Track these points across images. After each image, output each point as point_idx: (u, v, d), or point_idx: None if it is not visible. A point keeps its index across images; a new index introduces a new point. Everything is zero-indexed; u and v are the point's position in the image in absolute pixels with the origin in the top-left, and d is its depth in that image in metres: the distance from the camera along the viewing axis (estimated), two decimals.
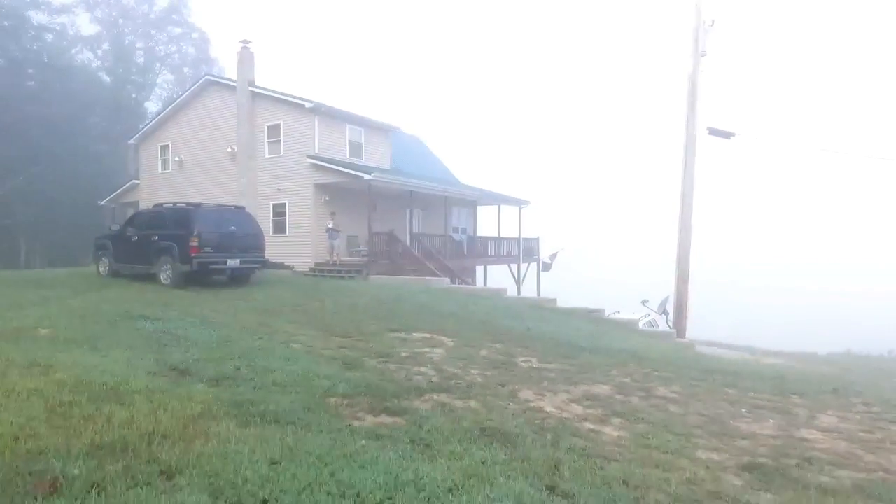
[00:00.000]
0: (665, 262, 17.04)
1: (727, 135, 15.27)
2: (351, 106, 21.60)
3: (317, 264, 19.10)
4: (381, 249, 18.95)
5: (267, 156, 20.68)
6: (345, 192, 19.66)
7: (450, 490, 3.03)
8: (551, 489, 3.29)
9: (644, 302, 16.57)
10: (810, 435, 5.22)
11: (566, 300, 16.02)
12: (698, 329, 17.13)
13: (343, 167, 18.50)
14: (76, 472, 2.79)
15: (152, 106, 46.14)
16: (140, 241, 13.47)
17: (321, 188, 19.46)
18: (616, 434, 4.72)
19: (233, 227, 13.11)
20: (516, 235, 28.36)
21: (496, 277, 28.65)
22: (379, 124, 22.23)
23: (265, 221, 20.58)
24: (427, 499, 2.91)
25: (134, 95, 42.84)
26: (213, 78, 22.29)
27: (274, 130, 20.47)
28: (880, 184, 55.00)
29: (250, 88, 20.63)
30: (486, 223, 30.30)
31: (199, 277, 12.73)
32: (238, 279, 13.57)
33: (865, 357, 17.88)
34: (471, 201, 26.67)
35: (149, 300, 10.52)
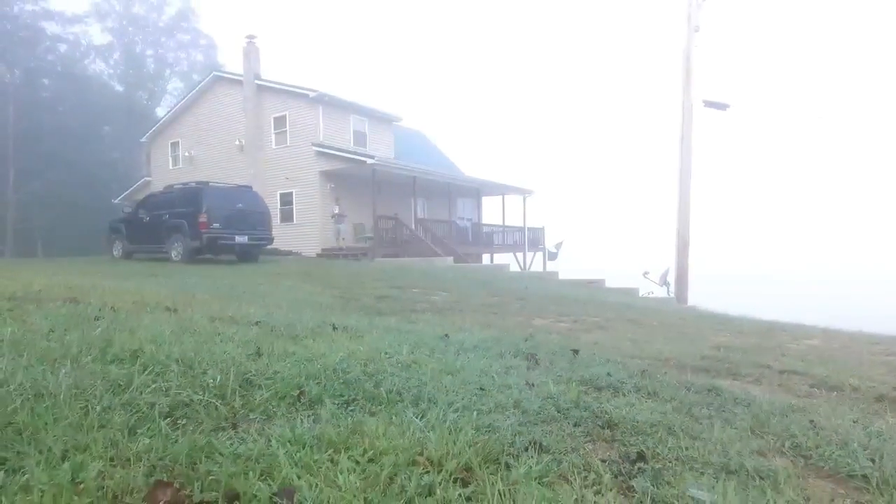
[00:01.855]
0: (667, 238, 17.26)
1: (722, 106, 15.54)
2: (355, 97, 22.00)
3: (324, 250, 19.53)
4: (386, 233, 19.33)
5: (274, 147, 21.19)
6: (350, 179, 20.09)
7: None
8: (525, 341, 3.66)
9: (645, 274, 16.78)
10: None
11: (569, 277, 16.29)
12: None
13: (350, 153, 18.92)
14: None
15: (163, 112, 47.18)
16: (152, 221, 13.97)
17: (326, 175, 19.91)
18: (567, 327, 5.07)
19: (240, 205, 13.57)
20: (521, 225, 28.68)
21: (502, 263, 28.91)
22: (382, 114, 22.69)
23: (273, 211, 21.08)
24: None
25: (145, 101, 43.77)
26: (220, 73, 22.92)
27: (280, 121, 21.00)
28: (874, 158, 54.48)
29: (256, 81, 21.19)
30: (491, 214, 30.60)
31: (210, 252, 13.16)
32: (246, 256, 13.99)
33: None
34: (474, 190, 27.02)
35: (164, 271, 11.00)
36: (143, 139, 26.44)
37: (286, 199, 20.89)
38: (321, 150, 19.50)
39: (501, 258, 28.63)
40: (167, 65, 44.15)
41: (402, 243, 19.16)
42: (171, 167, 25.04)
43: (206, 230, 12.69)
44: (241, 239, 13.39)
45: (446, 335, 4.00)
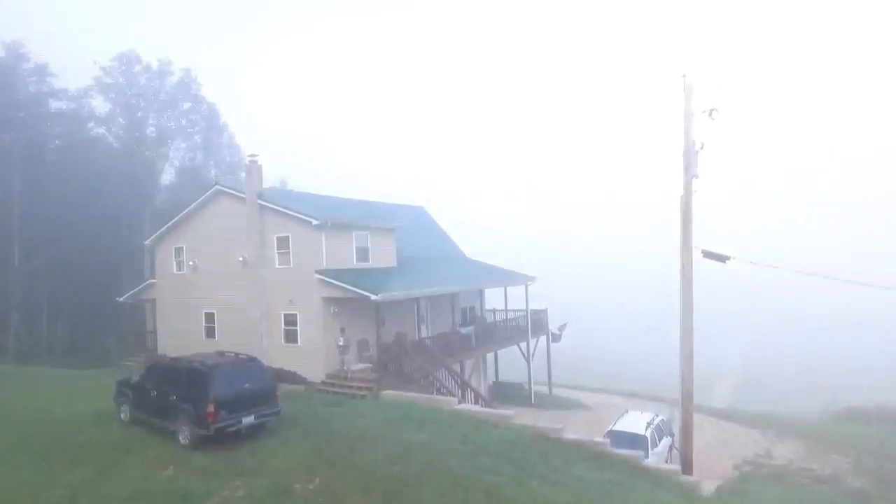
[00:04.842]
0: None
1: (722, 258, 15.62)
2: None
3: (328, 376, 19.64)
4: (391, 361, 19.39)
5: (277, 266, 21.34)
6: (354, 302, 20.22)
7: None
8: None
9: (649, 424, 16.76)
10: None
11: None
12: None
13: (351, 285, 19.06)
14: None
15: (167, 177, 47.65)
16: (158, 396, 14.05)
17: (330, 300, 20.04)
18: None
19: (247, 384, 13.64)
20: (523, 306, 28.74)
21: (507, 359, 29.06)
22: (384, 226, 22.90)
23: (277, 330, 21.30)
24: None
25: (148, 167, 44.05)
26: (222, 188, 23.11)
27: (283, 242, 21.16)
28: None
29: (259, 201, 21.39)
30: (493, 295, 30.77)
31: (217, 441, 13.25)
32: (252, 430, 14.05)
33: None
34: (477, 283, 27.17)
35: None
36: (147, 242, 26.63)
37: (290, 320, 21.00)
38: (324, 278, 19.64)
39: (506, 352, 28.77)
40: (169, 131, 44.56)
41: (407, 374, 19.22)
42: (175, 271, 25.22)
43: (214, 420, 12.77)
44: (248, 420, 13.45)
45: None
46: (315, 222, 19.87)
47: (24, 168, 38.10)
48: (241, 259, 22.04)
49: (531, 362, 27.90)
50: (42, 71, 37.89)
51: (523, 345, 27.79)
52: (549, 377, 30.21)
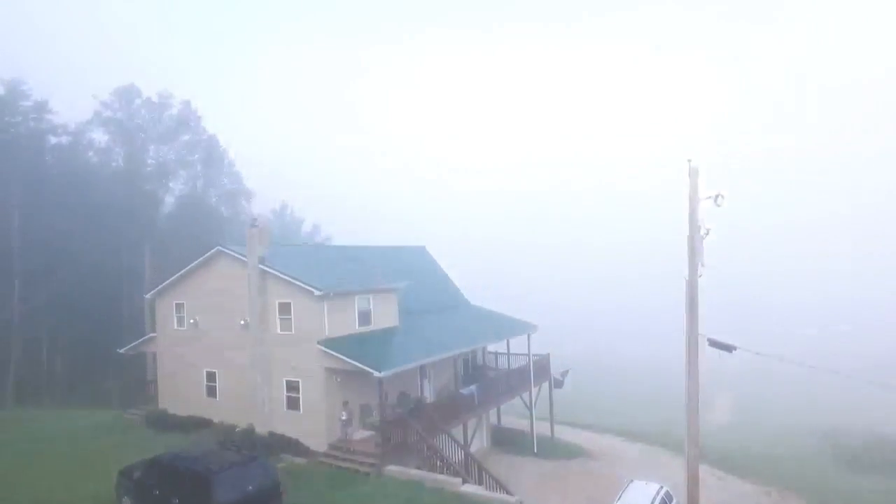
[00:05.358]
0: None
1: (728, 348, 15.50)
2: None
3: (331, 446, 19.51)
4: (394, 434, 19.25)
5: (279, 331, 21.21)
6: (357, 369, 20.09)
7: None
8: None
9: (654, 498, 16.65)
10: None
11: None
12: None
13: (354, 358, 18.95)
14: None
15: (168, 204, 47.49)
16: (161, 496, 13.93)
17: (333, 370, 19.92)
18: None
19: (250, 487, 13.52)
20: (524, 348, 28.59)
21: (510, 411, 28.93)
22: (386, 287, 22.78)
23: (279, 395, 21.16)
24: None
25: (148, 199, 43.93)
26: (223, 249, 22.96)
27: (285, 308, 21.04)
28: None
29: (260, 266, 21.26)
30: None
31: None
32: None
33: None
34: (479, 334, 27.03)
35: None
36: (148, 296, 26.50)
37: (292, 386, 20.87)
38: (327, 350, 19.52)
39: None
40: (168, 165, 44.46)
41: (410, 446, 19.08)
42: (175, 327, 25.07)
43: None
44: None
45: None
46: (317, 293, 19.75)
47: (23, 203, 38.00)
48: (242, 323, 21.92)
49: (534, 412, 27.76)
50: (42, 108, 37.81)
51: (526, 395, 27.66)
52: (552, 424, 30.08)
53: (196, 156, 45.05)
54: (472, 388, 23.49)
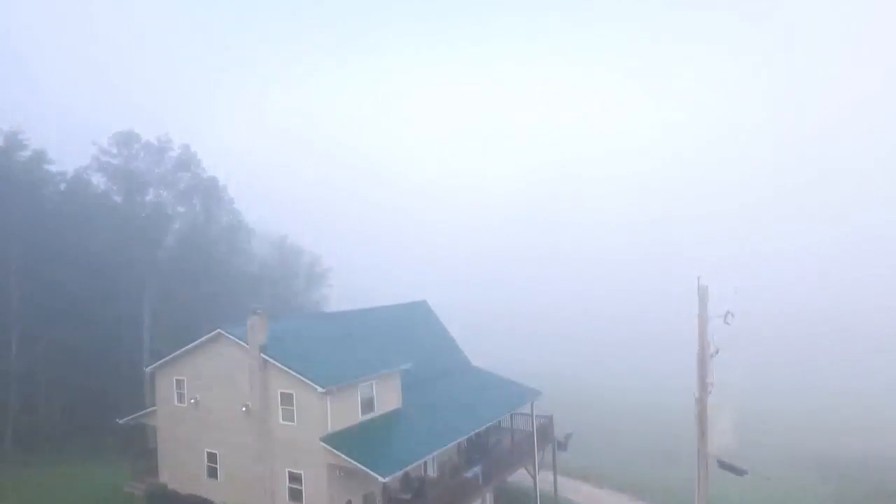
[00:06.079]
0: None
1: (740, 472, 15.30)
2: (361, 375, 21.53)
3: None
4: None
5: (281, 421, 20.96)
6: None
7: None
8: None
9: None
10: None
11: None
12: None
13: (358, 459, 18.72)
14: None
15: (168, 241, 47.07)
16: None
17: (336, 467, 19.67)
18: None
19: None
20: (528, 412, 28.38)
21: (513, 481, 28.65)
22: (389, 372, 22.56)
23: (281, 485, 20.89)
24: None
25: (147, 244, 43.40)
26: (224, 333, 22.66)
27: (287, 398, 20.79)
28: None
29: (262, 356, 21.00)
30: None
31: None
32: None
33: None
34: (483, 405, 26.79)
35: None
36: (148, 369, 26.23)
37: (295, 478, 20.61)
38: (329, 448, 19.28)
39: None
40: (169, 207, 44.12)
41: None
42: (175, 403, 24.78)
43: None
44: None
45: None
46: (320, 390, 19.50)
47: (20, 254, 37.60)
48: (244, 409, 21.65)
49: (537, 480, 27.56)
50: (40, 158, 37.46)
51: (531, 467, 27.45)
52: (556, 485, 29.84)
53: (195, 199, 44.68)
54: (477, 469, 23.26)
